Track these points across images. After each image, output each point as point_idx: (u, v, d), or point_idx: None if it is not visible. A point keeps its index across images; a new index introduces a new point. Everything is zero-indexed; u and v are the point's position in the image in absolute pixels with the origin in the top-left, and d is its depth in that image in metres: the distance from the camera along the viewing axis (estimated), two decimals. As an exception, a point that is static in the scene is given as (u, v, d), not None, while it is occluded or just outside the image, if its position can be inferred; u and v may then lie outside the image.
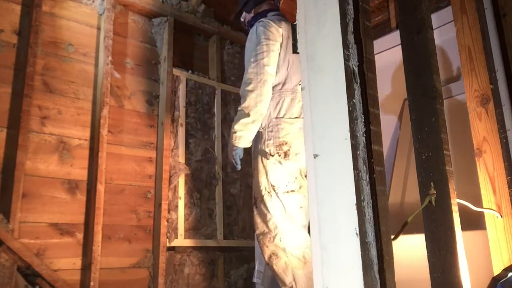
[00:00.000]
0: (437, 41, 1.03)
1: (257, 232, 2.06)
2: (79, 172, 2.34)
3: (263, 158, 2.03)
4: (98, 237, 2.24)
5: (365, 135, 0.93)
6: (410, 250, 1.81)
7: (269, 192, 2.01)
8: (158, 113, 2.74)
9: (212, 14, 3.13)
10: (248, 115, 2.01)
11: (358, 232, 0.84)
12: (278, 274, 2.00)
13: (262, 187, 2.02)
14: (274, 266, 2.00)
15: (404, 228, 1.01)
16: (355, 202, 0.85)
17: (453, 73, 2.43)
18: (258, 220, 2.05)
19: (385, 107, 2.91)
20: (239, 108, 2.05)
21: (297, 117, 2.05)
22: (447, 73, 2.45)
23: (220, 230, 2.82)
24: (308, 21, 1.04)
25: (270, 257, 2.02)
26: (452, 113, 2.31)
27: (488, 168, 1.44)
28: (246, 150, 2.14)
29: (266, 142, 2.04)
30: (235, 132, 2.04)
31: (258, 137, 2.08)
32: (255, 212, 2.07)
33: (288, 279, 1.98)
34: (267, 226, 2.01)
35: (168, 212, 2.60)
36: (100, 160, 2.34)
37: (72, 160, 2.32)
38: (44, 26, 2.34)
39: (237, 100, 2.87)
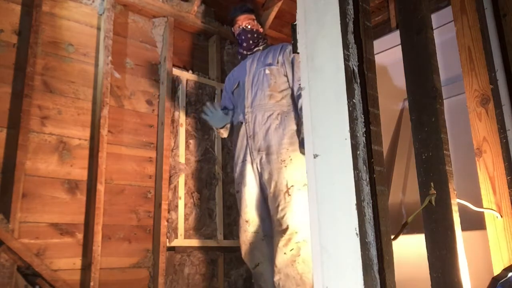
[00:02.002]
0: (437, 41, 1.03)
1: (294, 221, 2.15)
2: (79, 172, 2.34)
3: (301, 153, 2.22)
4: (98, 237, 2.24)
5: (365, 135, 0.93)
6: (410, 250, 1.81)
7: (304, 185, 2.18)
8: (158, 113, 2.74)
9: (212, 14, 3.12)
10: None
11: (358, 232, 0.84)
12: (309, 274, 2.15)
13: (303, 178, 2.17)
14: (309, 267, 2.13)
15: (404, 228, 1.01)
16: (355, 202, 0.85)
17: (453, 73, 2.42)
18: (297, 209, 2.16)
19: (385, 107, 2.91)
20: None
21: None
22: (447, 73, 2.45)
23: (220, 230, 2.82)
24: (308, 21, 1.04)
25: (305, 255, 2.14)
26: (452, 113, 2.31)
27: (488, 168, 1.44)
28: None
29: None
30: None
31: (295, 135, 2.26)
32: (293, 201, 2.18)
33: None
34: (304, 220, 2.15)
35: (168, 212, 2.60)
36: (100, 160, 2.34)
37: (72, 160, 2.32)
38: (44, 26, 2.34)
39: (237, 100, 2.87)
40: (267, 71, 2.41)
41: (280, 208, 2.19)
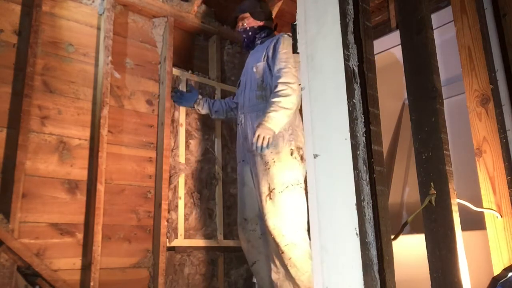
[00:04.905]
0: (437, 41, 1.03)
1: (275, 224, 2.15)
2: (79, 172, 2.34)
3: (288, 155, 2.23)
4: (98, 237, 2.24)
5: (365, 135, 0.93)
6: (410, 250, 1.81)
7: (297, 184, 2.21)
8: (158, 113, 2.74)
9: (212, 14, 3.12)
10: (291, 108, 2.20)
11: (358, 232, 0.84)
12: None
13: (290, 179, 2.19)
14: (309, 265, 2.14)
15: (404, 228, 1.01)
16: (355, 202, 0.85)
17: (453, 73, 2.43)
18: (278, 211, 2.16)
19: (385, 107, 2.91)
20: (282, 99, 2.18)
21: None
22: (447, 73, 2.45)
23: (220, 230, 2.82)
24: (308, 21, 1.04)
25: (304, 252, 2.16)
26: (452, 113, 2.31)
27: (488, 168, 1.44)
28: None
29: (289, 142, 2.26)
30: (278, 117, 2.17)
31: (279, 137, 2.25)
32: (274, 204, 2.17)
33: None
34: (303, 217, 2.17)
35: (168, 212, 2.60)
36: (100, 160, 2.34)
37: (72, 160, 2.32)
38: (44, 26, 2.34)
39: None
40: (254, 69, 2.43)
41: (262, 210, 2.22)
